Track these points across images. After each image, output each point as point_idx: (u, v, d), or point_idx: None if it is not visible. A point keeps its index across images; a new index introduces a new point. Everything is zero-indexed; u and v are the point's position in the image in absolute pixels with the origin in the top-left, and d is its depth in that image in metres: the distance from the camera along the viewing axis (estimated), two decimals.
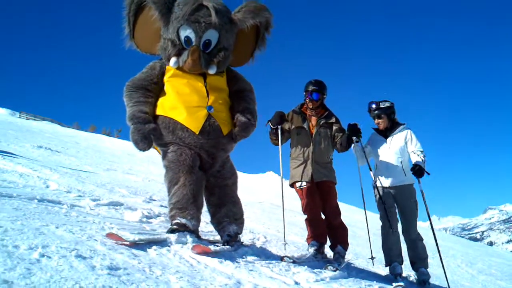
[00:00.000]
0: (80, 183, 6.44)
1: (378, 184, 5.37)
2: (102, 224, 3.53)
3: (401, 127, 5.39)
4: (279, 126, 5.09)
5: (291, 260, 4.02)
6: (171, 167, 3.88)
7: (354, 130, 5.15)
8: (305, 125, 5.20)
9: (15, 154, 8.74)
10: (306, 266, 3.97)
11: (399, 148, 5.30)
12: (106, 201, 4.99)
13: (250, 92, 4.39)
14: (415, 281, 5.36)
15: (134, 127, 3.83)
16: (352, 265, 5.16)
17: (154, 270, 2.56)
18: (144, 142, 3.81)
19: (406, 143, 5.30)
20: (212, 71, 3.96)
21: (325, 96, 5.27)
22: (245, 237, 5.23)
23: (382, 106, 5.38)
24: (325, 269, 4.20)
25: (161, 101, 3.99)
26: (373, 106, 5.41)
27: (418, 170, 5.01)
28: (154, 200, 6.76)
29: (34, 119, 48.22)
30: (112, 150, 25.97)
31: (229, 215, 4.08)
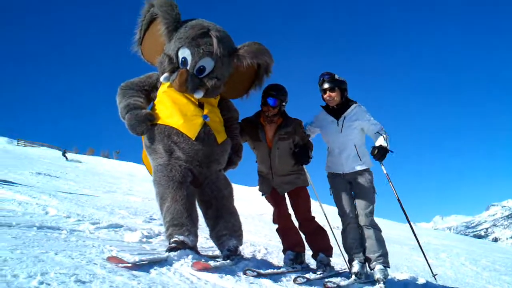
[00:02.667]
0: (79, 207, 6.47)
1: (330, 171, 4.91)
2: (101, 247, 3.53)
3: (353, 105, 4.79)
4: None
5: (255, 273, 3.57)
6: (161, 183, 3.91)
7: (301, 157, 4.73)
8: (261, 137, 4.72)
9: (13, 182, 8.77)
10: (311, 277, 3.99)
11: (352, 130, 4.74)
12: (106, 223, 5.00)
13: (237, 120, 4.66)
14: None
15: (130, 113, 3.93)
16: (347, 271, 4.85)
17: None
18: (141, 125, 3.91)
19: (361, 124, 4.75)
20: (198, 95, 4.03)
21: (284, 104, 4.72)
22: (246, 250, 5.25)
23: (337, 78, 4.75)
24: (294, 282, 3.66)
25: (157, 111, 4.06)
26: (327, 77, 4.75)
27: (377, 154, 4.53)
28: (154, 219, 6.78)
29: (32, 146, 48.33)
30: (112, 172, 26.01)
31: (228, 227, 4.10)
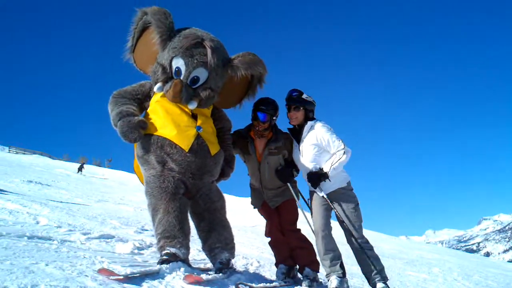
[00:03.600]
0: (70, 217, 6.41)
1: (311, 189, 4.67)
2: (93, 259, 3.50)
3: (305, 126, 4.57)
4: None
5: (247, 287, 3.64)
6: (153, 194, 3.89)
7: (283, 175, 4.65)
8: (251, 151, 4.68)
9: (4, 190, 8.69)
10: None
11: (312, 155, 4.53)
12: (97, 234, 4.96)
13: (230, 130, 4.65)
14: None
15: (123, 120, 3.86)
16: None
17: None
18: (134, 133, 3.83)
19: (319, 145, 4.49)
20: (192, 106, 4.01)
21: (275, 118, 4.64)
22: (238, 263, 5.22)
23: (305, 98, 4.58)
24: None
25: (150, 121, 4.02)
26: (295, 94, 4.59)
27: (310, 181, 4.47)
28: (146, 230, 6.74)
29: (24, 153, 48.04)
30: (103, 181, 25.87)
31: (220, 239, 4.08)
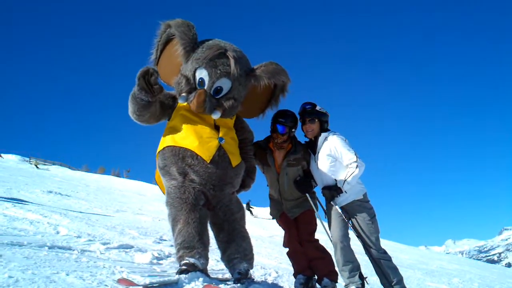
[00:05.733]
0: (90, 227, 6.47)
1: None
2: (112, 269, 3.54)
3: (320, 137, 4.66)
4: None
5: None
6: (174, 205, 3.90)
7: (302, 186, 4.68)
8: (270, 163, 4.73)
9: (25, 201, 8.80)
10: None
11: (328, 166, 4.58)
12: (116, 244, 5.01)
13: (252, 141, 4.64)
14: None
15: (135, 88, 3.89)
16: None
17: None
18: (145, 91, 3.86)
19: (334, 156, 4.54)
20: (215, 116, 4.03)
21: (293, 130, 4.69)
22: (257, 273, 5.21)
23: (318, 109, 4.67)
24: None
25: (171, 133, 4.06)
26: (308, 107, 4.68)
27: (326, 196, 4.55)
28: (165, 240, 6.77)
29: (44, 164, 48.64)
30: (122, 191, 26.04)
31: (239, 250, 4.07)
